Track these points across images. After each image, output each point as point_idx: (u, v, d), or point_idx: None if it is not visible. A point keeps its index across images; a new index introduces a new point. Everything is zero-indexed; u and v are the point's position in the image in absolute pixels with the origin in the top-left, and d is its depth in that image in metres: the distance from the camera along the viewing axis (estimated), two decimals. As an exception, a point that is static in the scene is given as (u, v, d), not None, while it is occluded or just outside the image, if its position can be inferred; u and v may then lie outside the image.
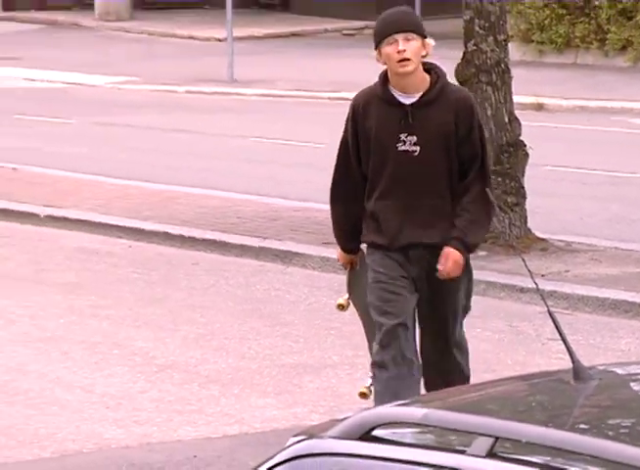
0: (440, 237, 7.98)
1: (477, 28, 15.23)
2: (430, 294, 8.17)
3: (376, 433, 4.43)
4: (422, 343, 8.65)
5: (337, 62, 30.03)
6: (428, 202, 7.57)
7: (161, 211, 18.25)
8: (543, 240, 15.22)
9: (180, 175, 20.55)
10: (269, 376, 11.57)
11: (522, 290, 13.56)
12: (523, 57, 22.27)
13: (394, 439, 4.46)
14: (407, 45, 6.97)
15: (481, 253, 14.85)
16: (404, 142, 7.32)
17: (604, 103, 24.34)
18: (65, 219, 17.77)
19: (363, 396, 8.58)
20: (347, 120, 7.90)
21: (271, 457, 4.93)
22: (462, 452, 4.18)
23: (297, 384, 11.38)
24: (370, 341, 8.47)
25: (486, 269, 14.47)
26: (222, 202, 18.90)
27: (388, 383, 8.36)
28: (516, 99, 15.68)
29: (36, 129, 23.56)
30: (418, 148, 7.28)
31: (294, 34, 34.32)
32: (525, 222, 15.27)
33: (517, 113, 15.52)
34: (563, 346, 4.57)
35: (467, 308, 8.62)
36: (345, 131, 7.96)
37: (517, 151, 15.21)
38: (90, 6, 37.64)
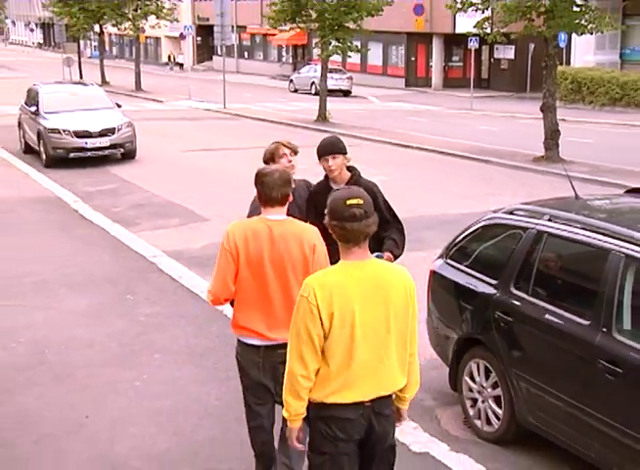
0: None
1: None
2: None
3: (515, 212, 5.28)
4: None
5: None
6: None
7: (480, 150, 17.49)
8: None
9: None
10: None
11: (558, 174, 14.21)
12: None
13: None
14: (333, 161, 5.75)
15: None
16: None
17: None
18: (426, 149, 17.98)
19: None
20: (308, 200, 6.09)
21: (476, 222, 5.45)
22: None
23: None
24: None
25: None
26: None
27: None
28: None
29: (443, 118, 22.39)
30: None
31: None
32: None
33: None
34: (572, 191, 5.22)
35: None
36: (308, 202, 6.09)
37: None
38: (430, 84, 36.21)
